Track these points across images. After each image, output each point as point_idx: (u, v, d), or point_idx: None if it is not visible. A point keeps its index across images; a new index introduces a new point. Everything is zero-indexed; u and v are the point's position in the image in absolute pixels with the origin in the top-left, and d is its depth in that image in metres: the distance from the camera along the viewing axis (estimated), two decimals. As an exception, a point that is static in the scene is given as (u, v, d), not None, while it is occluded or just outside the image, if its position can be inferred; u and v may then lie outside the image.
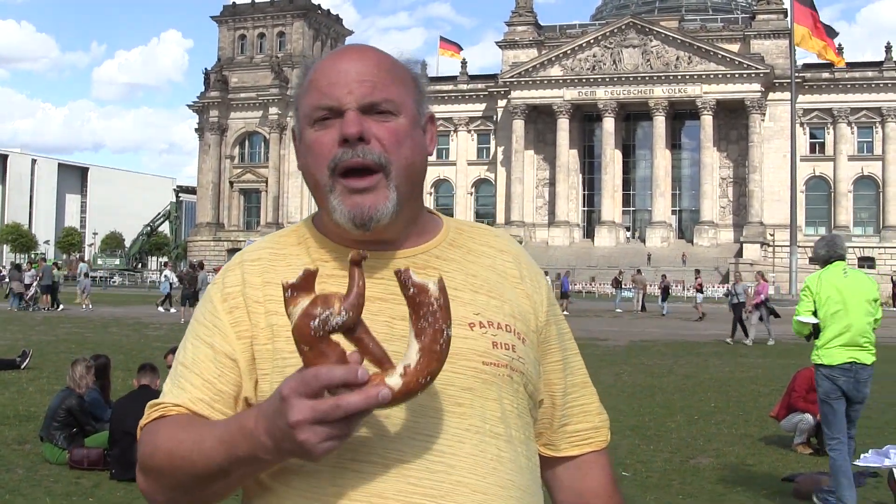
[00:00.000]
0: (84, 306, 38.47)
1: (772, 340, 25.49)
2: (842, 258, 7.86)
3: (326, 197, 1.66)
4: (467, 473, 1.60)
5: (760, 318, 26.36)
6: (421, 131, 1.74)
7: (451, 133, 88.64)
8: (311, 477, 1.58)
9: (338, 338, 1.43)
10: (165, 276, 41.04)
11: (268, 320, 1.67)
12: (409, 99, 1.71)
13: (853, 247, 77.30)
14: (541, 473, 1.82)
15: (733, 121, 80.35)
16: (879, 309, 7.82)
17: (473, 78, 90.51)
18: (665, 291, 43.16)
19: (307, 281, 1.46)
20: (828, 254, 7.86)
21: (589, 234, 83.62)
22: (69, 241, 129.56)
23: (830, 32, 24.05)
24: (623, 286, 49.43)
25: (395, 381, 1.40)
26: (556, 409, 1.86)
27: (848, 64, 78.77)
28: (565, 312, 39.77)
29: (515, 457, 1.68)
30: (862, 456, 9.60)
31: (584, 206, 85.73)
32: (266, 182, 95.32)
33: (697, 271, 47.95)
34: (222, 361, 1.68)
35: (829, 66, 75.20)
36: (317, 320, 1.40)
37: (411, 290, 1.44)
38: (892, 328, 33.44)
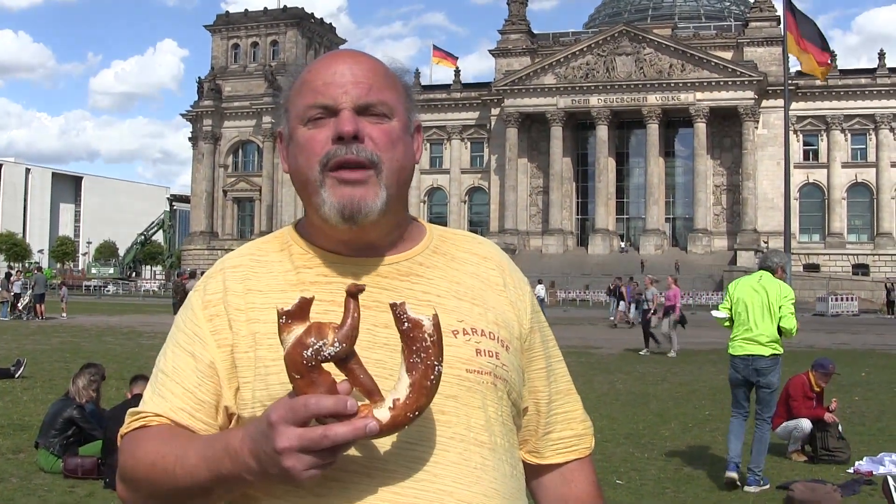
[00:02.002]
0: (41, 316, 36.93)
1: (673, 353, 23.44)
2: (769, 269, 9.17)
3: (316, 192, 1.65)
4: (451, 482, 1.60)
5: (679, 324, 24.19)
6: (410, 138, 1.75)
7: (445, 141, 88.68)
8: (293, 487, 1.59)
9: (329, 366, 1.43)
10: None
11: (249, 328, 1.66)
12: (401, 105, 1.72)
13: (847, 254, 77.62)
14: (526, 481, 1.82)
15: (727, 128, 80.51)
16: (787, 313, 8.77)
17: (467, 86, 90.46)
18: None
19: (302, 309, 1.45)
20: (759, 264, 9.51)
21: (583, 242, 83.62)
22: (63, 249, 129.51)
23: (824, 44, 23.88)
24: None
25: (383, 413, 1.41)
26: (540, 417, 1.86)
27: (841, 71, 79.12)
28: (621, 323, 39.33)
29: (499, 465, 1.67)
30: (857, 463, 9.66)
31: (577, 214, 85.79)
32: (260, 191, 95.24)
33: (630, 278, 45.03)
34: (203, 370, 1.67)
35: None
36: (310, 350, 1.40)
37: (406, 324, 1.45)
38: (888, 336, 33.59)
